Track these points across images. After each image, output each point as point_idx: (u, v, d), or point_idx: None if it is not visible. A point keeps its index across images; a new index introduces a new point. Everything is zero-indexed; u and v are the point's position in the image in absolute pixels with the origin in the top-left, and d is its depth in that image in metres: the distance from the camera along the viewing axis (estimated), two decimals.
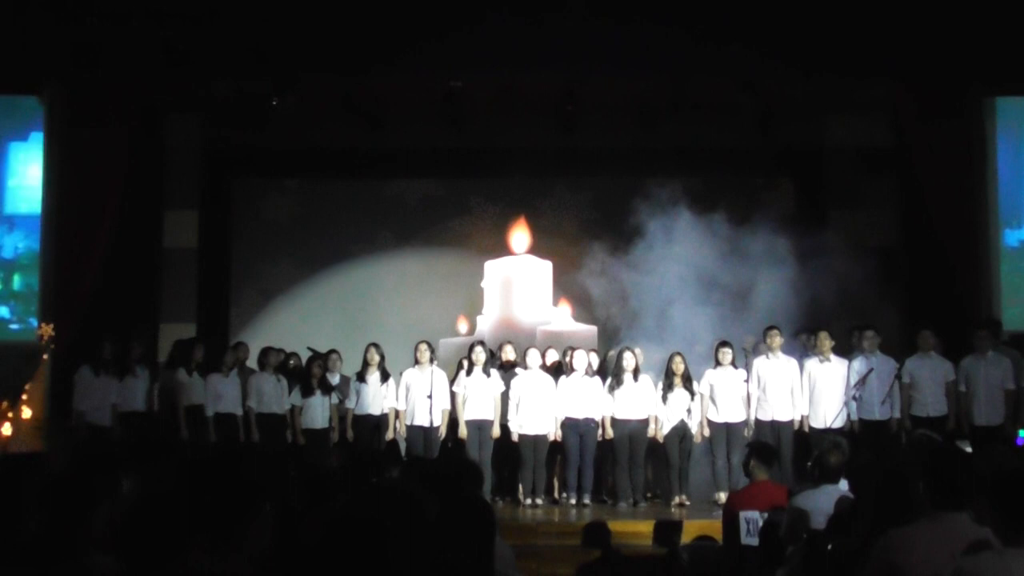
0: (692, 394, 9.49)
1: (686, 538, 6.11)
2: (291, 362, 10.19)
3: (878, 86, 10.84)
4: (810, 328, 9.90)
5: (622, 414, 9.44)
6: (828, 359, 9.42)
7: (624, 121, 11.49)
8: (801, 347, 9.98)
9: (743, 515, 5.53)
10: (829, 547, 4.27)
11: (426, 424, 9.38)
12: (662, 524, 5.76)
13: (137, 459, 4.32)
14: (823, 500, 4.88)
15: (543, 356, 9.88)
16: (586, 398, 9.45)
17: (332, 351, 9.87)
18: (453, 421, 9.54)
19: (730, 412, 9.42)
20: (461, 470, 4.00)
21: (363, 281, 12.86)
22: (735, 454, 9.26)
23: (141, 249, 11.65)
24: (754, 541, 5.42)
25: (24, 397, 9.68)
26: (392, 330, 11.75)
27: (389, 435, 9.56)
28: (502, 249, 11.64)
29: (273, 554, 3.07)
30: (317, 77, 10.94)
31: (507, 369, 9.78)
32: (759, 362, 9.49)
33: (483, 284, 11.47)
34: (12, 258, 11.11)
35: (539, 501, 9.41)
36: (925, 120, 11.01)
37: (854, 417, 9.30)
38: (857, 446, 8.43)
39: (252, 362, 10.12)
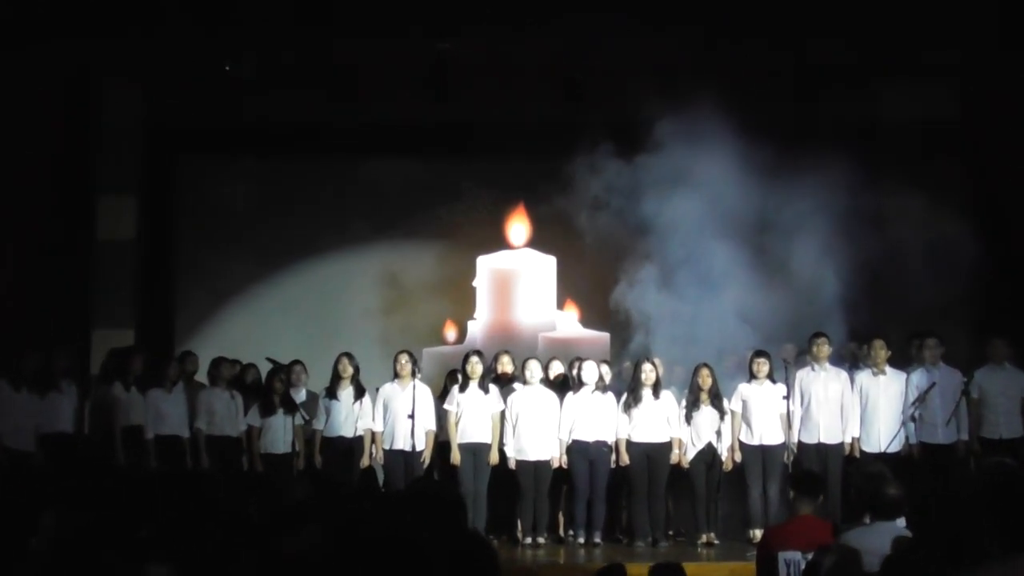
0: (722, 413, 9.49)
1: None
2: (248, 375, 10.18)
3: (943, 50, 10.86)
4: (861, 335, 9.90)
5: (639, 436, 9.44)
6: (882, 372, 9.43)
7: (641, 89, 11.47)
8: (850, 357, 9.99)
9: (782, 556, 5.53)
10: None
11: (408, 448, 9.37)
12: (660, 569, 5.68)
13: (64, 489, 4.32)
14: (876, 539, 4.88)
15: (546, 368, 9.88)
16: (597, 418, 9.45)
17: (296, 362, 9.86)
18: (440, 445, 9.54)
19: (767, 433, 9.43)
20: (437, 499, 4.01)
21: (333, 280, 12.86)
22: (772, 483, 9.27)
23: (69, 241, 11.64)
24: None
25: None
26: (368, 338, 11.76)
27: (364, 461, 9.55)
28: (498, 242, 11.64)
29: None
30: (278, 37, 10.93)
31: (504, 384, 9.78)
32: (803, 374, 9.50)
33: (475, 283, 11.47)
34: None
35: (541, 540, 9.40)
36: (997, 90, 11.03)
37: (913, 440, 9.31)
38: (917, 474, 8.44)
39: (201, 375, 10.12)
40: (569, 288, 11.63)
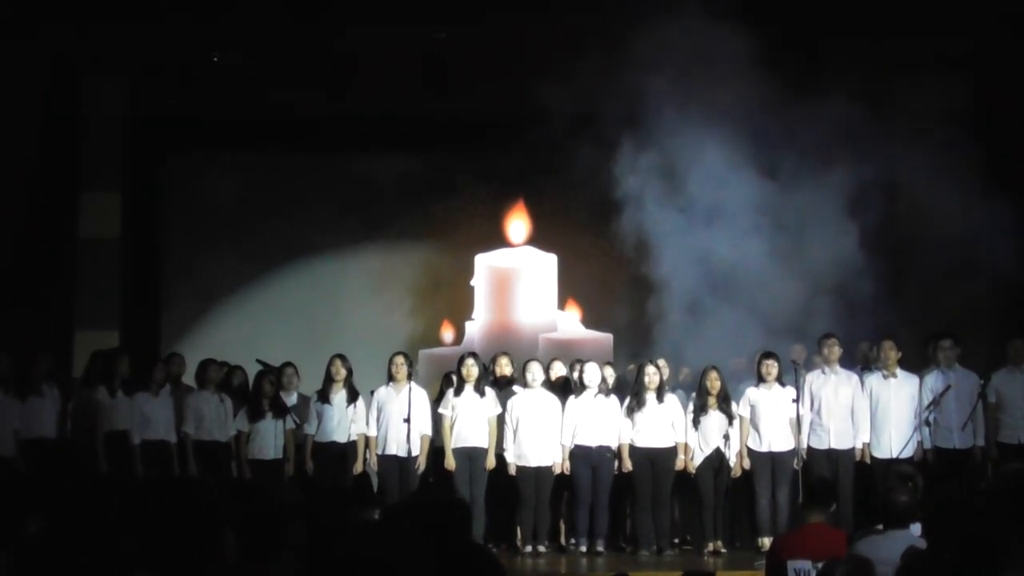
0: (730, 417, 9.49)
1: None
2: (235, 378, 10.17)
3: (957, 41, 10.87)
4: (873, 337, 9.90)
5: (644, 441, 9.43)
6: (893, 374, 9.42)
7: (643, 81, 11.46)
8: (862, 359, 9.98)
9: (791, 565, 5.53)
10: None
11: (403, 454, 9.37)
12: None
13: (47, 496, 4.30)
14: (890, 548, 4.87)
15: (547, 370, 9.87)
16: (600, 422, 9.44)
17: (287, 365, 9.86)
18: (436, 450, 9.54)
19: (776, 439, 9.42)
20: (444, 509, 4.01)
21: (326, 279, 12.85)
22: (782, 490, 9.27)
23: (51, 239, 11.63)
24: None
25: None
26: (361, 339, 11.74)
27: (358, 467, 9.55)
28: (496, 240, 11.64)
29: None
30: (268, 28, 10.93)
31: (503, 386, 9.77)
32: (813, 377, 9.49)
33: (473, 283, 11.47)
34: None
35: (542, 548, 9.40)
36: (1013, 83, 11.03)
37: (927, 445, 9.32)
38: (932, 481, 8.43)
39: (189, 378, 10.11)
40: (571, 287, 11.62)
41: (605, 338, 11.01)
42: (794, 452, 9.39)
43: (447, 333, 12.02)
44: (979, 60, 11.29)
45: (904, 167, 11.28)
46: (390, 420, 9.45)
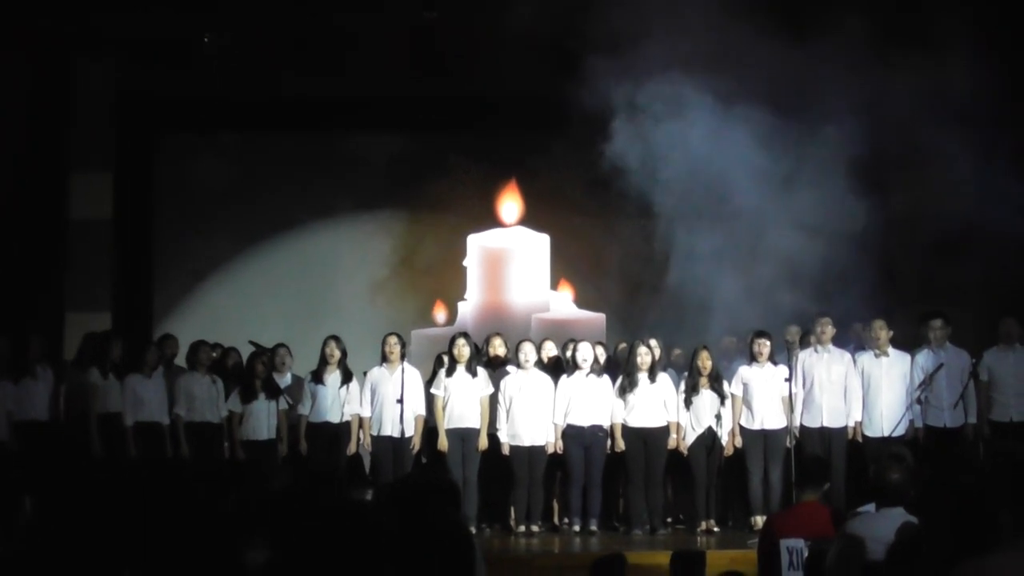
0: (722, 396, 9.50)
1: (713, 572, 6.14)
2: (229, 359, 10.17)
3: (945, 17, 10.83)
4: (865, 316, 9.92)
5: (636, 421, 9.45)
6: (885, 353, 9.45)
7: (637, 61, 11.43)
8: (855, 338, 10.01)
9: (785, 543, 5.55)
10: None
11: (396, 434, 9.38)
12: (680, 556, 5.81)
13: (40, 479, 4.31)
14: (882, 526, 4.89)
15: (539, 350, 9.88)
16: (592, 401, 9.46)
17: (280, 346, 9.86)
18: (429, 431, 9.55)
19: (768, 417, 9.44)
20: (431, 488, 4.01)
21: (318, 259, 12.84)
22: (774, 468, 9.30)
23: (42, 220, 11.60)
24: (798, 575, 5.45)
25: None
26: (355, 320, 11.75)
27: (351, 448, 9.56)
28: (489, 219, 11.62)
29: None
30: (259, 8, 10.89)
31: (495, 367, 9.79)
32: (805, 356, 9.51)
33: (465, 263, 11.46)
34: None
35: (535, 528, 9.43)
36: (1004, 59, 10.98)
37: (919, 424, 9.34)
38: (923, 459, 8.47)
39: (181, 359, 10.10)
40: (563, 267, 11.62)
41: (598, 318, 11.01)
42: (786, 430, 9.41)
43: (440, 313, 12.02)
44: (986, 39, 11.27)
45: (900, 142, 11.28)
46: (384, 401, 9.46)
